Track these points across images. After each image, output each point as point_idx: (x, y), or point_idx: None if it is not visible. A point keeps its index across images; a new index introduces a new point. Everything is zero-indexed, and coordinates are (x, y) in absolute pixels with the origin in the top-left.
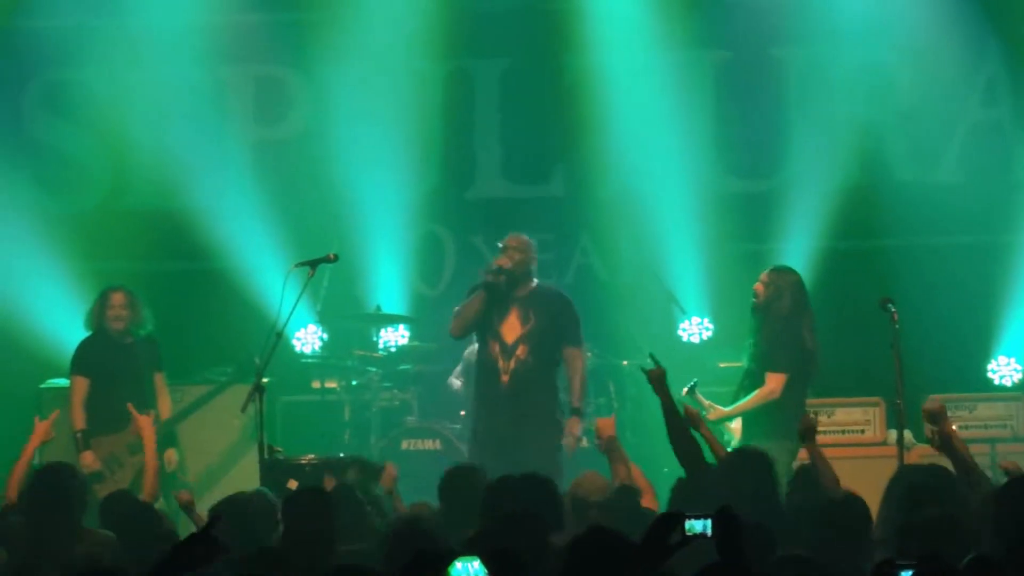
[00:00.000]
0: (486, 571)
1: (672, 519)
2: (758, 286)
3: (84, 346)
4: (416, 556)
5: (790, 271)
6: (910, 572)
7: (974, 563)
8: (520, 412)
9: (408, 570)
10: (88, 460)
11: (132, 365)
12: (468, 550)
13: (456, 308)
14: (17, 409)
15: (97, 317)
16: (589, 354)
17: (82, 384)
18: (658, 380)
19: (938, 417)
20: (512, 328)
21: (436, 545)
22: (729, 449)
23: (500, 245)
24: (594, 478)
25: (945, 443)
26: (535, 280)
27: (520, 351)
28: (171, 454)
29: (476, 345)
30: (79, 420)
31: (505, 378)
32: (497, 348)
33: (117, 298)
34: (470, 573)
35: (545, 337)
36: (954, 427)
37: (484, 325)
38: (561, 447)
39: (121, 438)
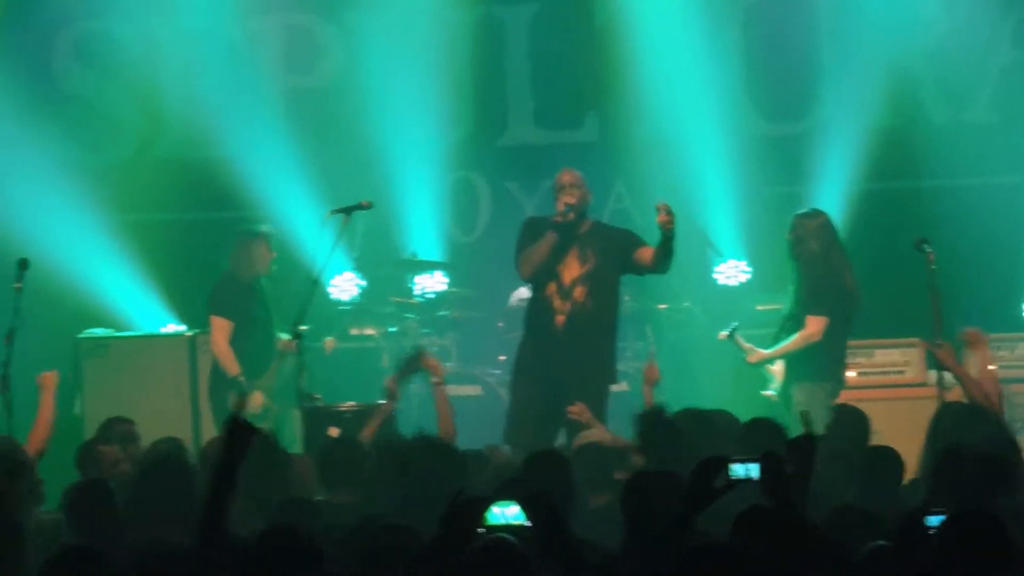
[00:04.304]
0: (524, 516)
1: (717, 463)
2: (787, 234)
3: (224, 289)
4: (453, 503)
5: (814, 214)
6: (941, 518)
7: (1007, 508)
8: (572, 356)
9: (446, 516)
10: (258, 401)
11: (265, 309)
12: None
13: (524, 251)
14: (54, 360)
15: (248, 260)
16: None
17: (227, 327)
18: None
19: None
20: (570, 268)
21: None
22: (771, 391)
23: (557, 184)
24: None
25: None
26: (590, 217)
27: (577, 293)
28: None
29: (522, 288)
30: (233, 364)
31: (560, 319)
32: (554, 288)
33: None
34: (507, 518)
35: (605, 278)
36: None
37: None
38: (608, 393)
39: (264, 383)
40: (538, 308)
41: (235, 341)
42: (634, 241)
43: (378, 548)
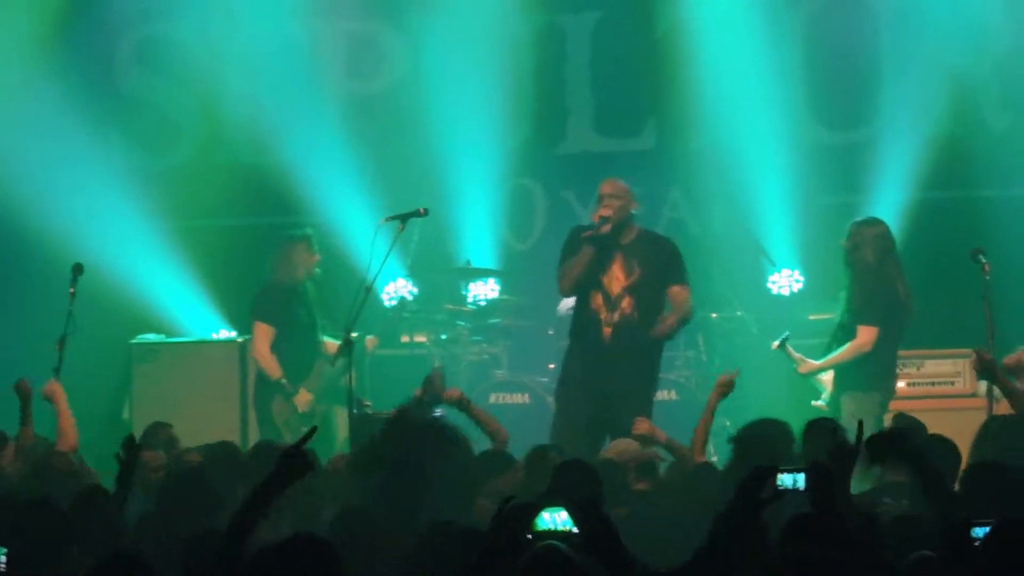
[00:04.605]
0: (573, 522)
1: (764, 473)
2: (843, 241)
3: (265, 294)
4: (502, 508)
5: (873, 223)
6: (987, 529)
7: None
8: (619, 368)
9: (495, 522)
10: (305, 399)
11: (309, 313)
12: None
13: (564, 265)
14: (109, 365)
15: (289, 264)
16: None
17: (269, 332)
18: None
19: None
20: (616, 279)
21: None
22: (821, 400)
23: (598, 195)
24: None
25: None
26: (637, 226)
27: (624, 303)
28: None
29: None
30: (275, 369)
31: (607, 331)
32: (600, 299)
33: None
34: (556, 524)
35: (650, 289)
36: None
37: (587, 275)
38: (652, 403)
39: (307, 386)
40: (585, 319)
41: (277, 345)
42: (673, 270)
43: (429, 554)
